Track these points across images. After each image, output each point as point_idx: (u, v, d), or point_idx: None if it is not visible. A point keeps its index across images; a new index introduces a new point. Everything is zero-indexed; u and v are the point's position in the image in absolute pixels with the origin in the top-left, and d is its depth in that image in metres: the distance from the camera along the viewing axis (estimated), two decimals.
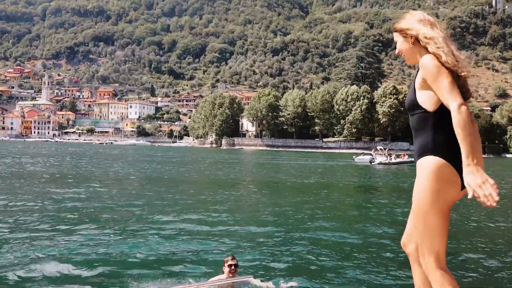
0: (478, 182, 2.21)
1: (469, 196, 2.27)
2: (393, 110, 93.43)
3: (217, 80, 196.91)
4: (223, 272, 5.51)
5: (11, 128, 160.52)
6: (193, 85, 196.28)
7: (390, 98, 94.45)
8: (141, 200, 13.33)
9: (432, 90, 2.53)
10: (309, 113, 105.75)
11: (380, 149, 47.96)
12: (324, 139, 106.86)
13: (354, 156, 50.65)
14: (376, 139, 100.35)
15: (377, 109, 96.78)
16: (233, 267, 5.41)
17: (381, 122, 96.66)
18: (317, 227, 9.80)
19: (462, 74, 2.49)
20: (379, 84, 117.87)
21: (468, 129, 2.31)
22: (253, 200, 14.99)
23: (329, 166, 39.99)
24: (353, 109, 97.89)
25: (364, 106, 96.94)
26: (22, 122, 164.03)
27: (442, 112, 2.53)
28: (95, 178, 20.88)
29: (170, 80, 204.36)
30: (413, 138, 2.70)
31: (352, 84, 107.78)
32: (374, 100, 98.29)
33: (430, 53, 2.55)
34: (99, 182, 18.78)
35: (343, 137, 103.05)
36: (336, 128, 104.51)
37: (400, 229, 6.66)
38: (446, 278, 2.53)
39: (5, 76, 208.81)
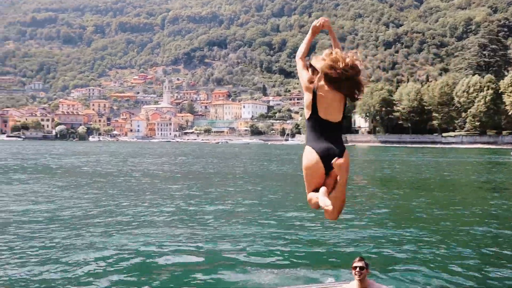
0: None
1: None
2: None
3: None
4: None
5: (138, 130, 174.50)
6: None
7: None
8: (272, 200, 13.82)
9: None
10: (425, 107, 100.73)
11: None
12: (444, 134, 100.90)
13: None
14: (504, 132, 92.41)
15: (504, 100, 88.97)
16: (358, 269, 4.83)
17: (510, 113, 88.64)
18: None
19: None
20: (506, 73, 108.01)
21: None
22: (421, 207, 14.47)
23: (488, 164, 36.01)
24: (475, 100, 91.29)
25: (488, 97, 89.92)
26: (147, 125, 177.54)
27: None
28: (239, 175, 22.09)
29: (281, 79, 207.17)
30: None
31: (474, 74, 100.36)
32: (500, 91, 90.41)
33: None
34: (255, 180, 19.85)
35: (465, 131, 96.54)
36: (457, 121, 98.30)
37: None
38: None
39: (132, 83, 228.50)
